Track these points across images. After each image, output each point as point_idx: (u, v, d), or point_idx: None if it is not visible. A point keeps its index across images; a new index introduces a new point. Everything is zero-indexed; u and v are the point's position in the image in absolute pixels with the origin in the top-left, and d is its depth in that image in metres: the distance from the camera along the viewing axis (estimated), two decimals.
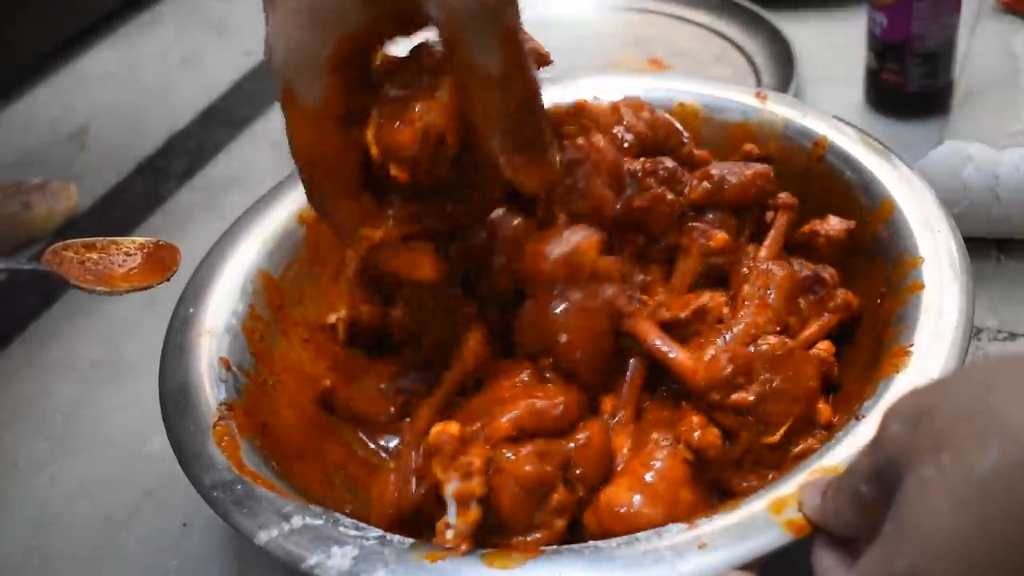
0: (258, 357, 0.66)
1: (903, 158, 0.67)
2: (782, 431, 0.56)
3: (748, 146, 0.72)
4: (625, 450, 0.57)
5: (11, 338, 0.86)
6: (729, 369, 0.55)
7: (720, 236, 0.64)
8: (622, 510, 0.52)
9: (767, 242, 0.66)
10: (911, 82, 0.91)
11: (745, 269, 0.63)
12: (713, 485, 0.56)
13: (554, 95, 0.80)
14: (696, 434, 0.55)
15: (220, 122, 1.09)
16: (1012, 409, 0.36)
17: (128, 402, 0.78)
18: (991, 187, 0.75)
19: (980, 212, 0.76)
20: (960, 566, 0.36)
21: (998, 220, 0.76)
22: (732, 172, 0.66)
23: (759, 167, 0.67)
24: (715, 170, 0.66)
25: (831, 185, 0.69)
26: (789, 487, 0.49)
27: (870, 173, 0.66)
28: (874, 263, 0.64)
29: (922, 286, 0.58)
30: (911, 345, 0.55)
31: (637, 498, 0.53)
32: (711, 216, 0.66)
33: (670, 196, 0.64)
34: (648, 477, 0.54)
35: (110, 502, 0.70)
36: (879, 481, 0.41)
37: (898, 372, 0.54)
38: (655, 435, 0.57)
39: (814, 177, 0.70)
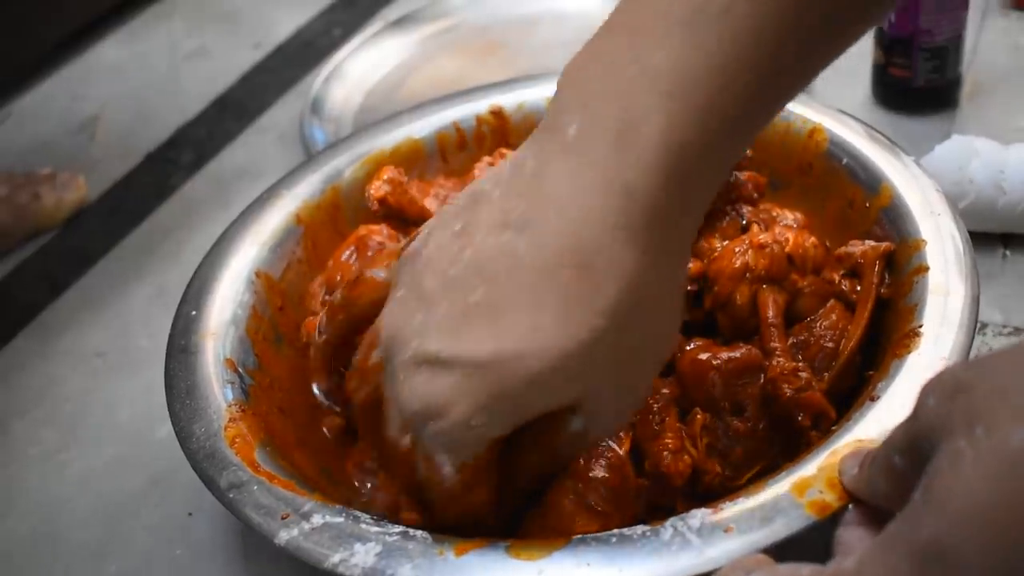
0: (262, 358, 0.66)
1: (903, 147, 0.68)
2: (749, 475, 0.55)
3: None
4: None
5: (21, 328, 0.86)
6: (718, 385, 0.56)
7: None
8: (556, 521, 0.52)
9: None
10: (918, 77, 0.90)
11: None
12: (656, 502, 0.55)
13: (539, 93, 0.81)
14: (667, 457, 0.54)
15: (229, 114, 1.09)
16: None
17: (136, 392, 0.78)
18: (997, 182, 0.75)
19: (986, 207, 0.76)
20: (986, 537, 0.36)
21: (1004, 215, 0.76)
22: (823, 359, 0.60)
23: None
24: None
25: (830, 173, 0.70)
26: (811, 468, 0.49)
27: (868, 160, 0.67)
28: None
29: (927, 268, 0.59)
30: (920, 326, 0.56)
31: (572, 510, 0.52)
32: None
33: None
34: (587, 490, 0.52)
35: (118, 490, 0.71)
36: (912, 452, 0.41)
37: (910, 353, 0.55)
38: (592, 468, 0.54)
39: (812, 166, 0.71)
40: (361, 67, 1.09)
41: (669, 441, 0.54)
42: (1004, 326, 0.73)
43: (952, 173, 0.76)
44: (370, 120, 0.86)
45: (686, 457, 0.54)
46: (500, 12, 1.15)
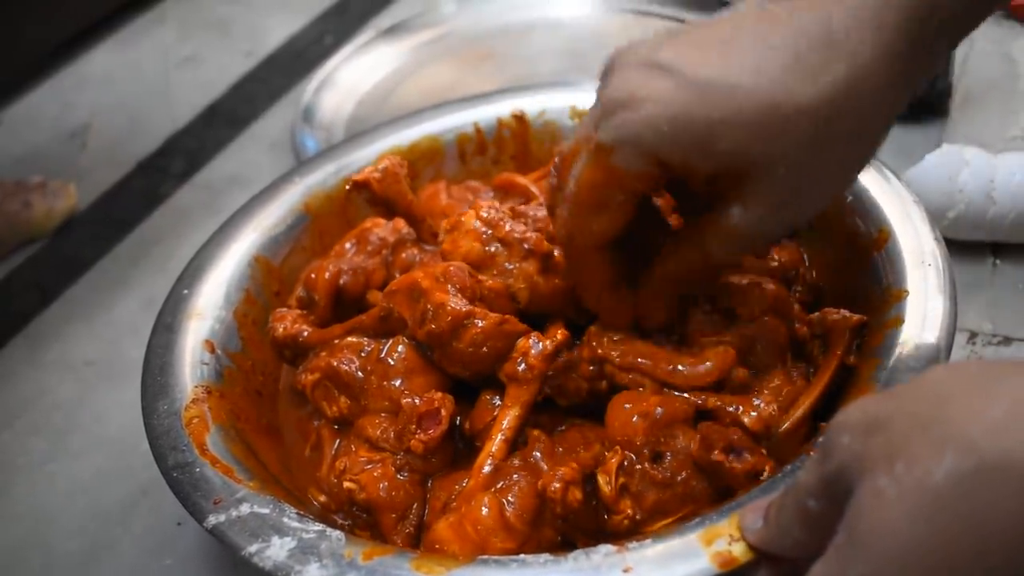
0: (247, 341, 0.67)
1: (898, 175, 0.66)
2: (664, 523, 0.53)
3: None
4: (486, 468, 0.55)
5: (10, 337, 0.86)
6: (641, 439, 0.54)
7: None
8: (436, 546, 0.53)
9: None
10: None
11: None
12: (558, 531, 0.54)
13: (553, 100, 0.80)
14: (555, 486, 0.52)
15: (220, 122, 1.09)
16: (968, 419, 0.36)
17: (125, 401, 0.77)
18: (987, 191, 0.75)
19: (976, 216, 0.76)
20: (914, 574, 0.36)
21: (993, 224, 0.76)
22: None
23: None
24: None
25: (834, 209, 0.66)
26: (724, 518, 0.48)
27: (871, 200, 0.64)
28: (865, 290, 0.62)
29: (902, 321, 0.57)
30: (880, 384, 0.54)
31: (449, 538, 0.53)
32: None
33: None
34: (467, 521, 0.53)
35: (107, 500, 0.71)
36: (828, 494, 0.40)
37: None
38: (514, 474, 0.54)
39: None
40: (353, 75, 1.09)
41: (567, 470, 0.53)
42: (994, 335, 0.73)
43: (942, 182, 0.76)
44: (361, 129, 0.86)
45: (576, 492, 0.52)
46: (492, 20, 1.15)
